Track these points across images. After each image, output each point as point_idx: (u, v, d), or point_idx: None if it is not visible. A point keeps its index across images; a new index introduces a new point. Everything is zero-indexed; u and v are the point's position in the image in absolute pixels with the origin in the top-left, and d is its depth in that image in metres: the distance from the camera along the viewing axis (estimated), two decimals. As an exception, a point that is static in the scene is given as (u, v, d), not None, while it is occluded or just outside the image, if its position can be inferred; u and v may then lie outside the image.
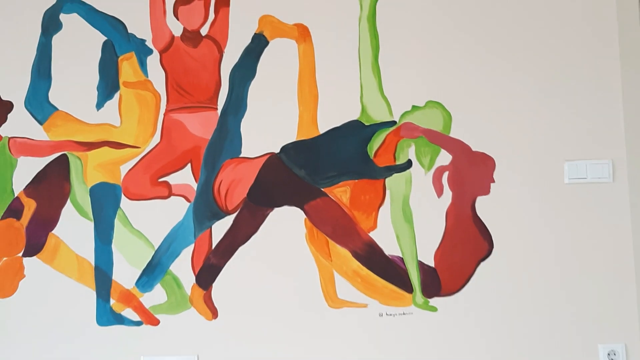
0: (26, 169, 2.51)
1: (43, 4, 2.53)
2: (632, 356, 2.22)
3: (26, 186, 2.51)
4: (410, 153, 2.40)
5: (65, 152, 2.50)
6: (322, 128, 2.42)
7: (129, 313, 2.45)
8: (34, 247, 2.50)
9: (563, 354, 2.28)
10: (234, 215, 2.42)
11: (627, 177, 2.28)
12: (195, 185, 2.44)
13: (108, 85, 2.51)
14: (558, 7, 2.37)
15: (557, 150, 2.35)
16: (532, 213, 2.33)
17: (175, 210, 2.44)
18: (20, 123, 2.52)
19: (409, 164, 2.39)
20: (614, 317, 2.28)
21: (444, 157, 2.38)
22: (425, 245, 2.38)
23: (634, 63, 2.29)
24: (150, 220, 2.46)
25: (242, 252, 2.42)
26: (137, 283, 2.44)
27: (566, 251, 2.32)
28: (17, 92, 2.53)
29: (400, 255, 2.38)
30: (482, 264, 2.33)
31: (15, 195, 2.51)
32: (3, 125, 2.52)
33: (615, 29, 2.34)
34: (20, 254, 2.51)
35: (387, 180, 2.39)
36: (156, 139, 2.47)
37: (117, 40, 2.50)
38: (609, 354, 2.23)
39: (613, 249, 2.29)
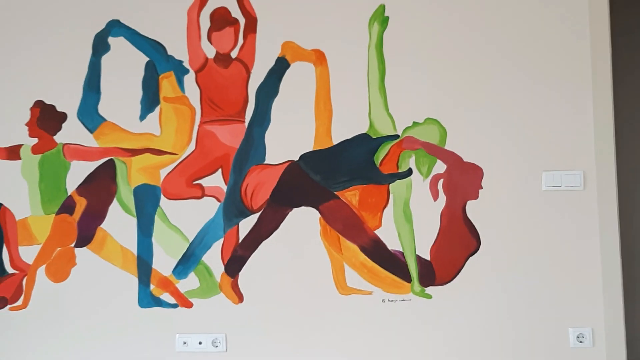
0: (78, 171, 2.70)
1: (93, 28, 2.72)
2: (597, 338, 2.47)
3: (78, 186, 2.71)
4: (411, 162, 2.58)
5: (112, 157, 2.70)
6: (336, 139, 2.61)
7: (167, 297, 2.66)
8: (84, 238, 2.71)
9: (539, 336, 2.51)
10: (259, 213, 2.62)
11: (596, 186, 2.49)
12: (225, 188, 2.64)
13: (150, 99, 2.70)
14: (535, 41, 2.56)
15: (536, 162, 2.54)
16: (515, 215, 2.54)
17: (208, 208, 2.65)
18: (74, 131, 2.72)
19: (409, 171, 2.58)
20: (583, 305, 2.49)
21: (440, 167, 2.57)
22: (423, 242, 2.58)
23: (603, 89, 2.49)
24: (186, 217, 2.66)
25: (265, 246, 2.62)
26: (174, 271, 2.66)
27: (543, 248, 2.53)
28: (70, 104, 2.72)
29: (401, 250, 2.58)
30: (471, 258, 2.55)
31: (69, 194, 2.71)
32: (58, 133, 2.72)
33: (588, 59, 2.53)
34: (73, 245, 2.71)
35: (390, 185, 2.58)
36: (191, 147, 2.67)
37: (158, 61, 2.70)
38: (577, 337, 2.48)
39: (583, 247, 2.50)
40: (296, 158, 2.63)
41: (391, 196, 2.60)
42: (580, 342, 2.49)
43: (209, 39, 2.68)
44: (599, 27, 2.55)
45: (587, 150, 2.52)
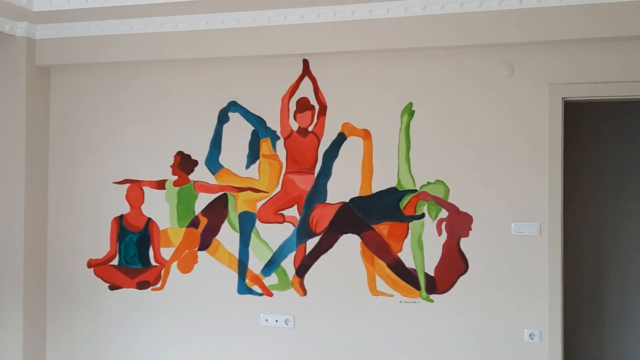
0: (203, 200, 3.80)
1: (219, 105, 3.82)
2: (543, 336, 3.29)
3: (202, 209, 3.82)
4: (424, 209, 3.45)
5: (226, 192, 3.79)
6: (374, 190, 3.53)
7: (256, 288, 3.72)
8: (204, 245, 3.81)
9: (504, 333, 3.34)
10: (320, 236, 3.61)
11: (548, 233, 3.28)
12: (298, 217, 3.66)
13: (253, 155, 3.75)
14: (512, 131, 3.33)
15: (508, 215, 3.32)
16: (493, 250, 3.35)
17: (286, 230, 3.68)
18: (202, 173, 3.83)
19: (422, 215, 3.45)
20: (535, 314, 3.28)
21: (444, 213, 3.43)
22: (429, 263, 3.45)
23: (555, 169, 3.24)
24: (272, 235, 3.69)
25: (323, 258, 3.61)
26: (262, 271, 3.72)
27: (510, 274, 3.32)
28: (201, 155, 3.84)
29: (415, 268, 3.46)
30: (461, 277, 3.41)
31: (196, 215, 3.83)
32: (191, 173, 3.85)
33: (546, 147, 3.28)
34: (196, 249, 3.82)
35: (410, 223, 3.47)
36: (278, 188, 3.70)
37: (260, 130, 3.76)
38: (530, 335, 3.30)
39: (537, 274, 3.30)
40: (347, 200, 3.60)
41: (410, 231, 3.50)
42: (532, 338, 3.31)
43: (295, 117, 3.73)
44: (555, 131, 3.31)
45: (542, 209, 3.31)
